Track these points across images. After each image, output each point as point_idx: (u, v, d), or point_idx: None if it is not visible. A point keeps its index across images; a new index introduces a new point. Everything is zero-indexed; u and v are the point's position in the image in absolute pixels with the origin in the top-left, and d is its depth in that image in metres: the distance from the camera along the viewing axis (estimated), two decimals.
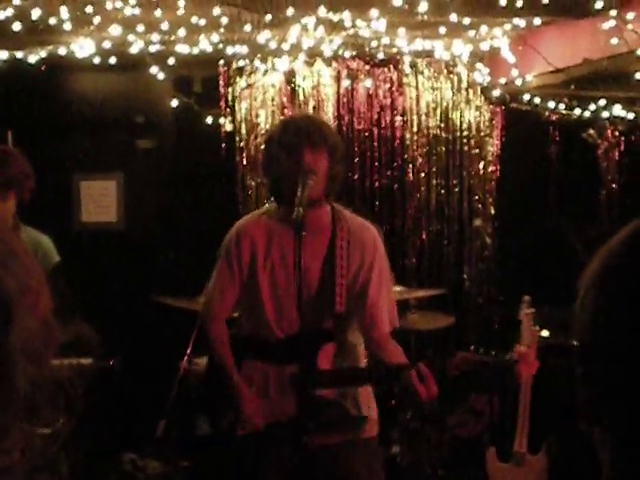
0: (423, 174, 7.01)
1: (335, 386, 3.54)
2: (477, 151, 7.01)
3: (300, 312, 3.28)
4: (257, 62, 6.61)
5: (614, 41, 4.80)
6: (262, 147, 3.97)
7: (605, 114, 6.64)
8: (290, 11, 5.12)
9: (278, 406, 3.53)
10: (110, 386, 5.96)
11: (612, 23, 4.78)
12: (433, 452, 5.79)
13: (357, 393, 3.64)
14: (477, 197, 7.04)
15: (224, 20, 5.26)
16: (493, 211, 7.04)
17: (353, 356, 3.66)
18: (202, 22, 5.31)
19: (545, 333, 5.59)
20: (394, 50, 6.39)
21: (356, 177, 6.90)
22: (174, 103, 6.64)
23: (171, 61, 6.14)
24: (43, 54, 6.22)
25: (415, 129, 6.99)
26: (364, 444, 3.66)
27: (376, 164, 6.99)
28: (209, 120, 6.73)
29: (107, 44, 5.82)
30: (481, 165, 7.03)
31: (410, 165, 7.00)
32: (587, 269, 1.13)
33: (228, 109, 6.82)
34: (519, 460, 4.97)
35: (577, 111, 6.62)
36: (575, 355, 1.12)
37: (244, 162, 6.89)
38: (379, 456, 3.89)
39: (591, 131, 6.92)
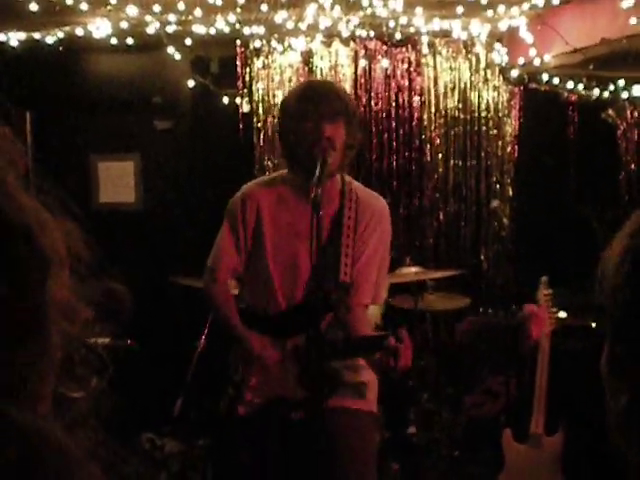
0: (441, 155, 7.00)
1: (343, 357, 3.48)
2: (495, 132, 6.99)
3: (307, 282, 3.24)
4: (274, 42, 6.60)
5: (633, 20, 4.76)
6: (279, 109, 3.85)
7: (624, 94, 6.59)
8: None
9: (277, 381, 3.49)
10: (128, 365, 6.03)
11: (631, 2, 4.73)
12: (449, 433, 5.80)
13: (360, 368, 3.60)
14: (495, 178, 7.02)
15: (241, 0, 5.25)
16: (511, 192, 7.02)
17: (345, 325, 3.58)
18: (219, 2, 5.29)
19: (563, 314, 5.58)
20: (411, 30, 6.35)
21: (374, 157, 6.90)
22: (191, 83, 6.64)
23: (188, 41, 6.13)
24: (60, 35, 6.22)
25: (433, 109, 6.97)
26: (362, 415, 3.62)
27: (394, 144, 6.98)
28: (226, 100, 6.72)
29: (124, 24, 5.82)
30: (499, 146, 7.00)
31: (428, 145, 6.99)
32: (609, 251, 1.11)
33: (245, 90, 6.82)
34: (536, 441, 4.96)
35: (596, 91, 6.57)
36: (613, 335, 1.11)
37: (261, 143, 6.89)
38: (375, 432, 3.87)
39: (610, 111, 6.88)
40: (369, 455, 3.66)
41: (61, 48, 6.39)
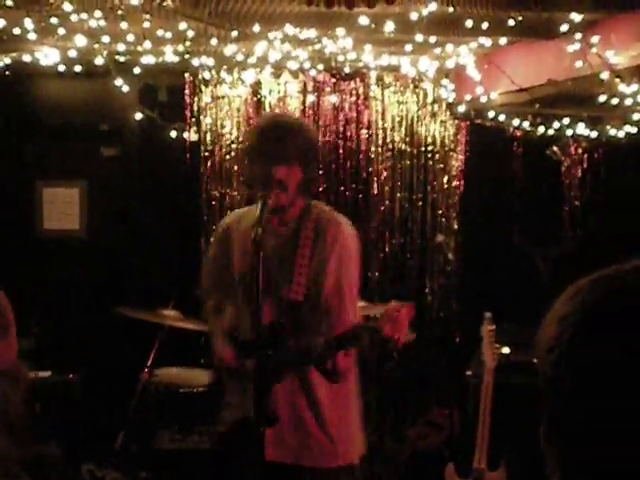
0: (387, 187, 7.03)
1: (295, 364, 3.47)
2: (441, 166, 7.04)
3: (260, 305, 3.24)
4: (223, 73, 6.60)
5: (579, 64, 4.83)
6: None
7: (569, 132, 6.68)
8: (257, 27, 5.10)
9: (240, 400, 3.50)
10: (70, 398, 5.96)
11: (577, 46, 4.81)
12: (392, 466, 5.80)
13: (324, 415, 3.57)
14: (441, 211, 7.07)
15: (190, 33, 5.24)
16: (456, 226, 7.07)
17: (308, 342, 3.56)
18: (168, 35, 5.28)
19: (506, 350, 5.62)
20: (360, 64, 6.39)
21: (321, 189, 6.90)
22: (139, 116, 6.60)
23: (137, 70, 6.10)
24: (7, 60, 6.16)
25: (380, 142, 7.01)
26: (338, 472, 3.59)
27: (341, 176, 7.00)
28: (173, 133, 6.70)
29: (72, 53, 5.78)
30: (445, 179, 7.06)
31: (375, 178, 7.02)
32: (550, 324, 1.11)
33: (193, 119, 6.81)
34: (478, 476, 4.98)
35: (541, 129, 6.66)
36: (542, 413, 1.12)
37: (208, 172, 6.87)
38: None
39: (555, 148, 6.97)
40: None
41: (7, 73, 6.32)
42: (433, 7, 4.65)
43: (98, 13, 4.85)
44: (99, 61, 5.84)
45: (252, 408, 3.25)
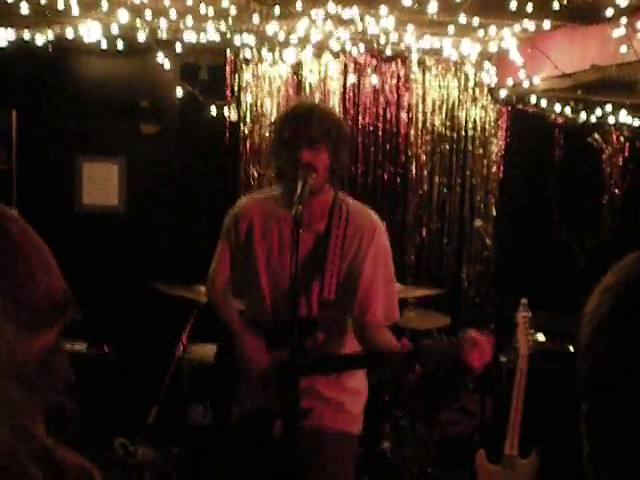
0: (426, 171, 7.01)
1: (319, 373, 3.51)
2: (481, 151, 7.00)
3: (291, 299, 3.24)
4: (264, 52, 6.59)
5: (623, 49, 4.77)
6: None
7: (611, 119, 6.61)
8: (299, 5, 5.09)
9: (260, 390, 3.53)
10: (104, 371, 6.01)
11: (622, 31, 4.75)
12: (423, 450, 5.79)
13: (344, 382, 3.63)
14: (479, 197, 7.04)
15: (232, 10, 5.24)
16: (494, 212, 7.03)
17: (339, 345, 3.60)
18: (210, 11, 5.28)
19: (541, 337, 5.59)
20: (402, 47, 6.36)
21: (359, 171, 6.90)
22: (179, 93, 6.62)
23: (178, 48, 6.12)
24: (50, 36, 6.20)
25: (420, 126, 6.98)
26: (339, 437, 3.64)
27: (380, 159, 6.98)
28: (213, 110, 6.71)
29: (115, 29, 5.80)
30: (485, 165, 7.02)
31: (413, 161, 7.00)
32: (592, 299, 1.12)
33: (234, 98, 6.81)
34: (509, 463, 4.97)
35: (583, 115, 6.60)
36: (582, 389, 1.11)
37: (247, 151, 6.88)
38: (352, 455, 3.78)
39: (596, 135, 6.90)
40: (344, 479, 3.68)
41: (50, 49, 6.36)
42: None
43: None
44: (141, 38, 5.86)
45: (276, 400, 3.33)
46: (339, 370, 3.58)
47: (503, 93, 6.49)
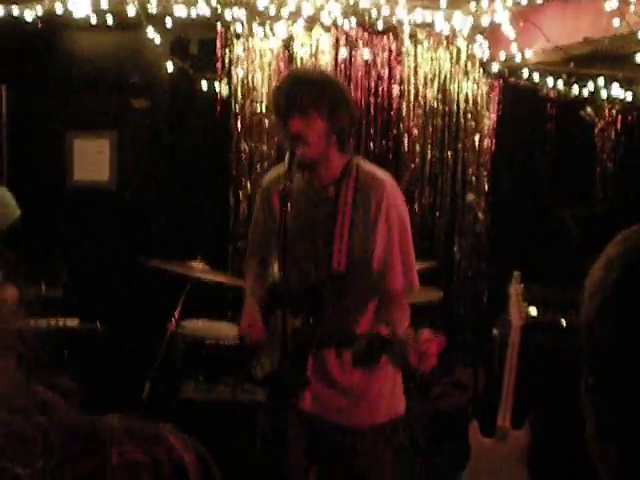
0: (418, 145, 6.99)
1: (332, 346, 3.40)
2: (473, 124, 6.98)
3: (301, 270, 3.19)
4: (255, 26, 6.55)
5: (616, 22, 4.76)
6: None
7: (604, 93, 6.60)
8: None
9: (270, 356, 3.46)
10: (95, 347, 6.01)
11: (614, 4, 4.73)
12: (415, 423, 5.81)
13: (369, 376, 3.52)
14: (471, 170, 7.02)
15: None
16: (487, 185, 7.02)
17: (353, 322, 3.44)
18: None
19: (533, 310, 5.59)
20: (394, 20, 6.33)
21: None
22: (170, 67, 6.59)
23: (168, 23, 6.08)
24: (39, 11, 6.16)
25: (412, 100, 6.96)
26: (372, 430, 3.54)
27: (372, 132, 6.96)
28: (204, 84, 6.68)
29: (104, 3, 5.76)
30: (477, 138, 7.00)
31: (405, 135, 6.98)
32: (596, 271, 1.10)
33: (224, 72, 6.78)
34: (502, 435, 4.98)
35: (575, 89, 6.58)
36: (588, 363, 1.10)
37: (239, 126, 6.85)
38: (390, 443, 3.62)
39: (588, 109, 6.89)
40: (380, 473, 3.61)
41: (40, 24, 6.32)
42: None
43: None
44: (131, 12, 5.82)
45: (278, 363, 3.27)
46: (344, 347, 3.36)
47: (495, 67, 6.47)
